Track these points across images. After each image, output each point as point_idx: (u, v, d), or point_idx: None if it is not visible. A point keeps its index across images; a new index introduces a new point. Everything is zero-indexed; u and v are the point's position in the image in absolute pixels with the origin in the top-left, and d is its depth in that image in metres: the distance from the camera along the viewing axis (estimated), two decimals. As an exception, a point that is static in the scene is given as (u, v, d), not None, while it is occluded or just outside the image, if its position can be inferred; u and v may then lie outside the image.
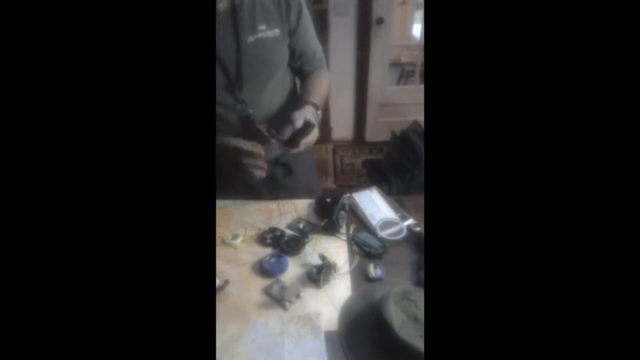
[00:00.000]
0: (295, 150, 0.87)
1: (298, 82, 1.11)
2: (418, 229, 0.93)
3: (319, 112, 0.97)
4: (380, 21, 2.38)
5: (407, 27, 3.88)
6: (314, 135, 0.89)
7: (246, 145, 0.85)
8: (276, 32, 0.92)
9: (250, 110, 0.95)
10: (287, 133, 0.90)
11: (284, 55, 0.98)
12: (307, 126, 0.87)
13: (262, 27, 0.90)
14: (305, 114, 0.88)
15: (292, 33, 0.96)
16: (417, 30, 3.71)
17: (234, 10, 0.86)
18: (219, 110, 0.94)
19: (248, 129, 0.92)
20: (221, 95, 0.92)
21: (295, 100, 1.09)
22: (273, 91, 1.00)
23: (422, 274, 0.82)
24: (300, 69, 1.06)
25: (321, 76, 1.06)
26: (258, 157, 0.85)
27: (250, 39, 0.89)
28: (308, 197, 1.07)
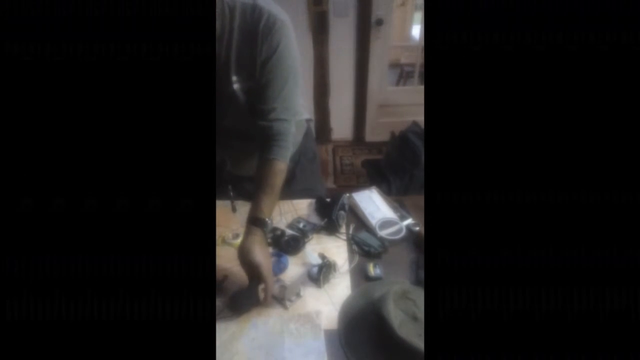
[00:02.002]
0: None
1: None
2: (417, 228, 0.94)
3: (266, 230, 0.80)
4: (379, 22, 2.38)
5: (406, 29, 3.87)
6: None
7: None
8: (247, 86, 0.81)
9: None
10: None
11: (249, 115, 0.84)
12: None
13: (234, 78, 0.80)
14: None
15: (257, 83, 0.80)
16: (417, 31, 3.71)
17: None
18: None
19: None
20: None
21: None
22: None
23: (421, 273, 0.83)
24: (258, 129, 0.84)
25: (274, 159, 0.82)
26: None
27: (230, 89, 0.81)
28: (308, 197, 1.07)
